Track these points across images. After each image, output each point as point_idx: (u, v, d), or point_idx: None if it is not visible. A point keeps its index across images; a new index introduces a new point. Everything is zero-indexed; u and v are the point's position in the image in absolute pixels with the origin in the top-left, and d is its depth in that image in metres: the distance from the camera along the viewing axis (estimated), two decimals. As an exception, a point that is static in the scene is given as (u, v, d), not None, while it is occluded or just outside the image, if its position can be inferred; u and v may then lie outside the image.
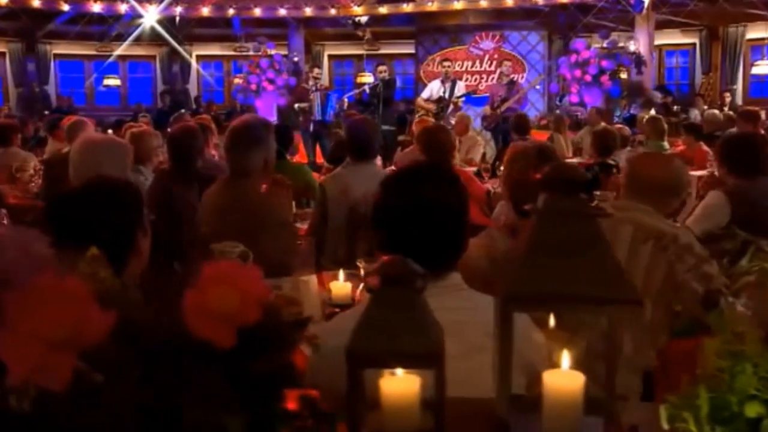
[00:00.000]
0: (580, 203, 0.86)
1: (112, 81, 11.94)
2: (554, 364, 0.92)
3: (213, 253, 1.90)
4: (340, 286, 1.87)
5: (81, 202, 1.43)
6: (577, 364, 0.90)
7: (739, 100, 11.70)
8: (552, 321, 0.95)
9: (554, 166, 0.80)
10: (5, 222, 2.21)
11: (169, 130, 6.20)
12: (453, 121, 7.61)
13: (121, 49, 11.20)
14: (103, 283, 0.84)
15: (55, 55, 12.74)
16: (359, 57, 12.36)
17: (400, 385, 0.92)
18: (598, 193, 3.25)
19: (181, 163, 2.92)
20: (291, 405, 0.90)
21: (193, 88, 13.21)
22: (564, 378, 0.91)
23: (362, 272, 1.88)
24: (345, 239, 2.95)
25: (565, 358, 0.91)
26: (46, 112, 10.40)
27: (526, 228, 1.00)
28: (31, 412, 0.77)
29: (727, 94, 11.37)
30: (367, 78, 10.56)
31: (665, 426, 0.78)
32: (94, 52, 12.56)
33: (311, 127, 8.54)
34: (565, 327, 0.93)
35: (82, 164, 2.17)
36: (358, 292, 1.87)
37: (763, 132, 6.51)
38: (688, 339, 1.44)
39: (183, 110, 7.24)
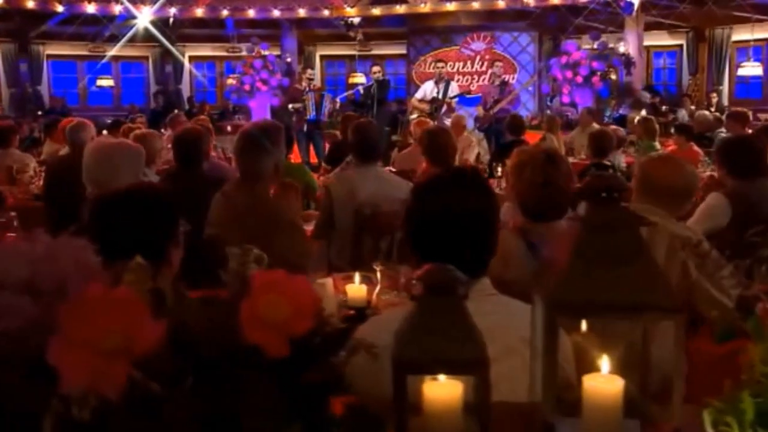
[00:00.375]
0: (622, 212, 0.88)
1: (106, 81, 11.87)
2: (588, 369, 0.94)
3: (228, 256, 1.90)
4: (356, 288, 1.88)
5: (117, 210, 1.42)
6: (617, 369, 0.92)
7: (725, 101, 11.86)
8: (583, 326, 0.97)
9: (594, 174, 0.82)
10: (15, 225, 2.21)
11: (162, 130, 6.19)
12: (447, 122, 7.65)
13: (114, 50, 11.14)
14: (157, 293, 0.84)
15: (48, 56, 12.66)
16: (351, 57, 12.37)
17: (443, 390, 0.94)
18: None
19: (188, 165, 2.91)
20: (336, 410, 0.91)
21: (185, 89, 13.17)
22: (604, 382, 0.93)
23: (378, 275, 1.89)
24: (350, 240, 2.96)
25: (605, 362, 0.93)
26: (39, 113, 10.32)
27: (566, 234, 1.02)
28: (90, 421, 0.78)
29: (714, 95, 11.53)
30: (359, 78, 10.57)
31: (709, 430, 0.81)
32: (86, 53, 12.49)
33: (305, 128, 8.53)
34: (601, 332, 0.95)
35: (96, 168, 2.16)
36: (374, 295, 1.89)
37: (750, 131, 6.62)
38: (704, 342, 1.47)
39: (177, 111, 7.21)
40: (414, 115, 8.20)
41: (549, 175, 2.06)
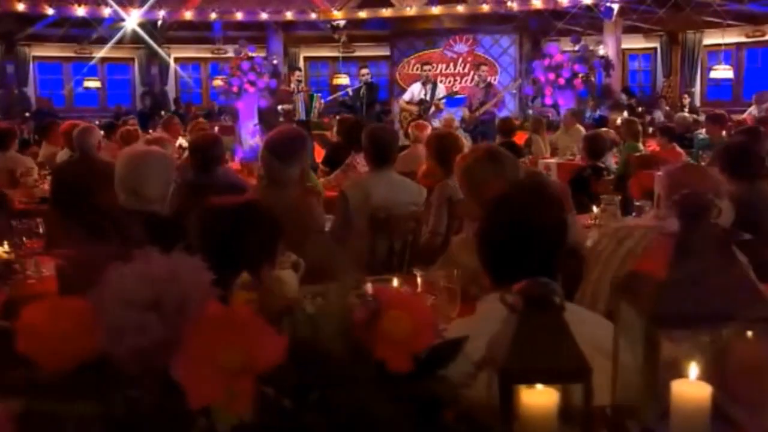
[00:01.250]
0: (714, 228, 0.93)
1: (92, 83, 11.70)
2: (675, 375, 0.99)
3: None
4: (394, 295, 1.89)
5: (224, 225, 1.40)
6: (704, 375, 0.97)
7: (697, 102, 12.21)
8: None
9: (686, 193, 0.86)
10: (40, 231, 2.18)
11: (151, 131, 6.13)
12: (435, 123, 7.71)
13: (102, 52, 11.00)
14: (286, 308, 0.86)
15: (34, 57, 12.50)
16: (334, 59, 12.37)
17: (540, 397, 0.98)
18: (604, 196, 3.36)
19: (204, 172, 2.90)
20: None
21: (171, 90, 13.07)
22: (692, 388, 0.98)
23: (419, 280, 1.91)
24: (365, 244, 2.98)
25: (693, 369, 0.98)
26: (27, 114, 10.13)
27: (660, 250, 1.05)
28: (230, 437, 0.79)
29: (686, 97, 11.84)
30: (343, 80, 10.57)
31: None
32: (72, 54, 12.35)
33: (294, 129, 8.51)
34: (689, 339, 0.99)
35: (130, 176, 2.13)
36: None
37: (724, 133, 6.84)
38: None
39: (169, 113, 7.12)
40: (403, 116, 8.25)
41: (497, 167, 2.20)
